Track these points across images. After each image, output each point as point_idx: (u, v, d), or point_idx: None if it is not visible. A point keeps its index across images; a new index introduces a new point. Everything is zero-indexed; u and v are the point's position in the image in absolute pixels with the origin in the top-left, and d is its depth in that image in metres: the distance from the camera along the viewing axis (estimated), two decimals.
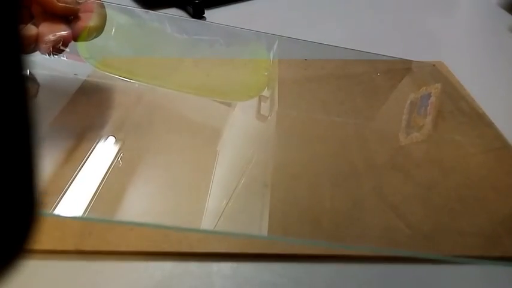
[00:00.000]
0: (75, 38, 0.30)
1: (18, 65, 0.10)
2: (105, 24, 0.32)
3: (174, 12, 0.62)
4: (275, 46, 0.43)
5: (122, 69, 0.38)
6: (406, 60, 0.45)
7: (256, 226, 0.26)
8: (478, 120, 0.36)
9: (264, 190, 0.28)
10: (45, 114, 0.35)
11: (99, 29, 0.32)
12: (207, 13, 0.60)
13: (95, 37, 0.32)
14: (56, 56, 0.30)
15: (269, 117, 0.35)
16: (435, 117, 0.34)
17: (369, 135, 0.36)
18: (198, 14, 0.59)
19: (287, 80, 0.43)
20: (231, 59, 0.43)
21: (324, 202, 0.28)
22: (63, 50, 0.30)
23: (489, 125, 0.36)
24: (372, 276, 0.24)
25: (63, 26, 0.30)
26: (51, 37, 0.29)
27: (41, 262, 0.24)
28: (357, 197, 0.29)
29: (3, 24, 0.09)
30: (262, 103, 0.37)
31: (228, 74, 0.41)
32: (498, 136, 0.34)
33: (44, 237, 0.25)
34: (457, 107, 0.38)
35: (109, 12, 0.33)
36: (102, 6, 0.33)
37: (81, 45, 0.33)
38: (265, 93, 0.38)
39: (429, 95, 0.35)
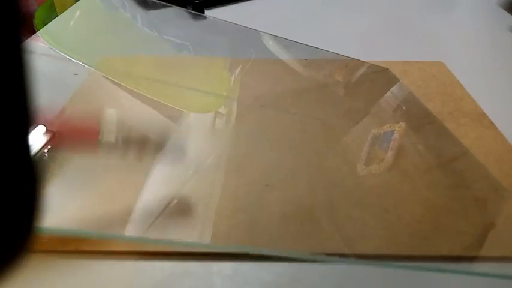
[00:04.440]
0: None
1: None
2: None
3: (173, 11, 0.62)
4: (238, 69, 0.43)
5: (78, 52, 0.38)
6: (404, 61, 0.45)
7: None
8: (478, 120, 0.36)
9: (207, 207, 0.27)
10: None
11: None
12: (207, 13, 0.60)
13: None
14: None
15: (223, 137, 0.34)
16: (396, 153, 0.33)
17: (369, 135, 0.36)
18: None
19: (287, 79, 0.43)
20: (194, 71, 0.42)
21: (324, 202, 0.28)
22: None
23: (489, 125, 0.36)
24: (372, 276, 0.24)
25: None
26: None
27: (41, 262, 0.24)
28: (357, 197, 0.29)
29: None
30: (217, 119, 0.37)
31: (187, 84, 0.40)
32: (498, 136, 0.35)
33: (44, 237, 0.25)
34: (457, 107, 0.38)
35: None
36: None
37: (38, 22, 0.32)
38: (222, 110, 0.38)
39: (392, 132, 0.35)
